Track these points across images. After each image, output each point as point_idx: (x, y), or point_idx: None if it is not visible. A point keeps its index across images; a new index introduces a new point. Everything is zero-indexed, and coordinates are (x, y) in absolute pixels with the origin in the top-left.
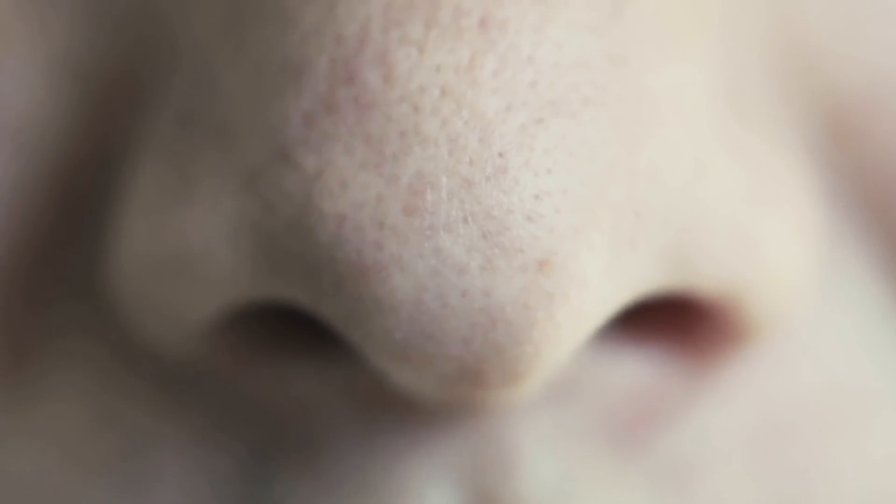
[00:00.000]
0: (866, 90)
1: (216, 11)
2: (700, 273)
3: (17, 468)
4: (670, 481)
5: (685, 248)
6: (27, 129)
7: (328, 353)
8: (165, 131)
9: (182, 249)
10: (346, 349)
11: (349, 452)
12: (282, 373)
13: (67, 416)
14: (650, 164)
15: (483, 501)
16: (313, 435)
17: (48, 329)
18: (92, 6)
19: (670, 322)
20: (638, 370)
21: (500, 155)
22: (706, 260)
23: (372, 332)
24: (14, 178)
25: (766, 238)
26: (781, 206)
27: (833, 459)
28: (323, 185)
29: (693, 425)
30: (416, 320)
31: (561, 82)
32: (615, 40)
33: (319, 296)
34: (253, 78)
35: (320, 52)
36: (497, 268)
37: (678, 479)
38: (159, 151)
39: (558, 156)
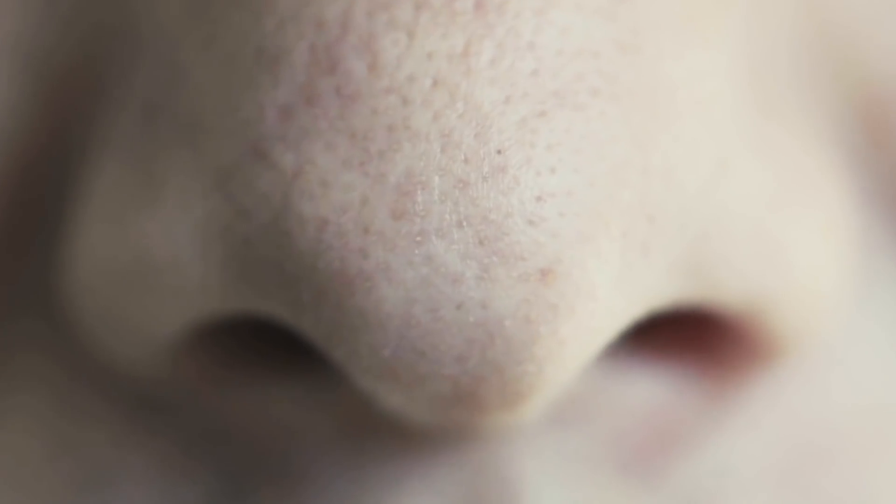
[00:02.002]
0: None
1: None
2: (721, 284)
3: None
4: None
5: (704, 256)
6: None
7: (309, 372)
8: (128, 126)
9: (146, 258)
10: (330, 368)
11: (333, 482)
12: (258, 395)
13: (20, 443)
14: (665, 162)
15: None
16: (293, 463)
17: None
18: None
19: (688, 338)
20: (652, 391)
21: (499, 152)
22: (727, 269)
23: (357, 348)
24: None
25: (793, 244)
26: (811, 209)
27: (870, 489)
28: (302, 185)
29: (714, 452)
30: (406, 336)
31: (566, 71)
32: (626, 25)
33: (298, 309)
34: (224, 67)
35: (299, 38)
36: (495, 277)
37: None
38: (121, 148)
39: (563, 153)
